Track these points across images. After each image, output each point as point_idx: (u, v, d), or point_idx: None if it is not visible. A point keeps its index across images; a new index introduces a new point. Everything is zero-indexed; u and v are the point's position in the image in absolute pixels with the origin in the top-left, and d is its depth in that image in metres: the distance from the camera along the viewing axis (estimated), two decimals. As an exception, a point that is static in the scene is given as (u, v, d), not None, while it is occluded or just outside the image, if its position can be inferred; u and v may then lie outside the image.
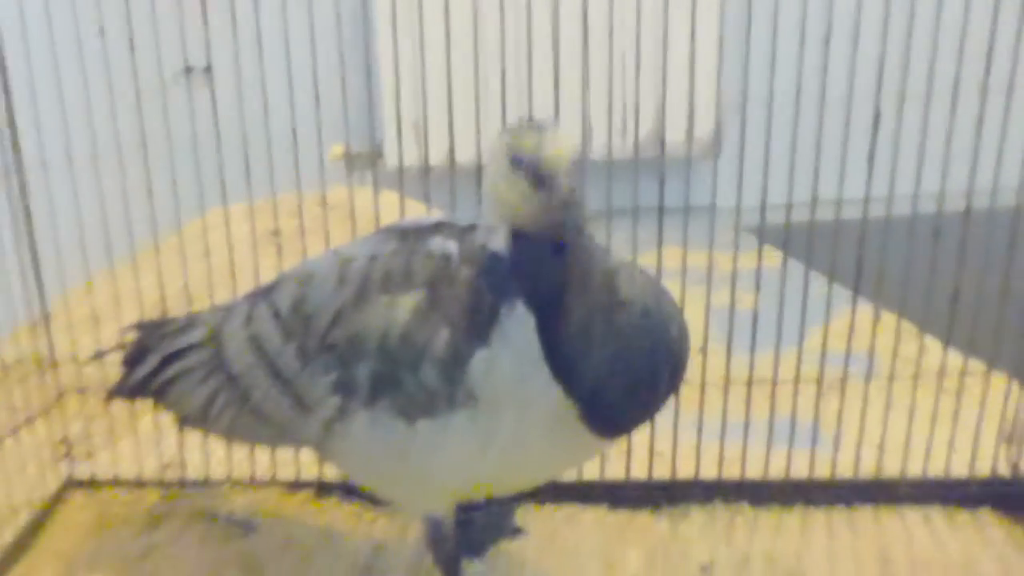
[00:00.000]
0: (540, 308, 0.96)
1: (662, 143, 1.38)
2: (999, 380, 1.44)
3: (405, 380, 1.00)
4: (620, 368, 0.94)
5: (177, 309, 1.44)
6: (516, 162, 0.94)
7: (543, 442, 1.00)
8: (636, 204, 1.38)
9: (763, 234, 1.46)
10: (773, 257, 1.50)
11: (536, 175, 0.93)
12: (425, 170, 1.42)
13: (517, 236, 1.00)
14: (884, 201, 1.35)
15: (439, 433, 1.00)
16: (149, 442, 1.56)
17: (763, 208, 1.36)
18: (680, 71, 1.36)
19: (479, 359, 0.97)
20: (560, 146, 0.93)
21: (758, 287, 1.41)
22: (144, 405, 1.61)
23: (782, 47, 1.30)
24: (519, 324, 0.96)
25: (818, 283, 1.43)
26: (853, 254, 1.39)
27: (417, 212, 1.40)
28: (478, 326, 0.98)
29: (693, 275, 1.40)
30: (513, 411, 0.98)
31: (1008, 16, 1.27)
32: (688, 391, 1.69)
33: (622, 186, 1.38)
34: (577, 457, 1.13)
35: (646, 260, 1.21)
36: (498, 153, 0.97)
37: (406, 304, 1.01)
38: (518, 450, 1.00)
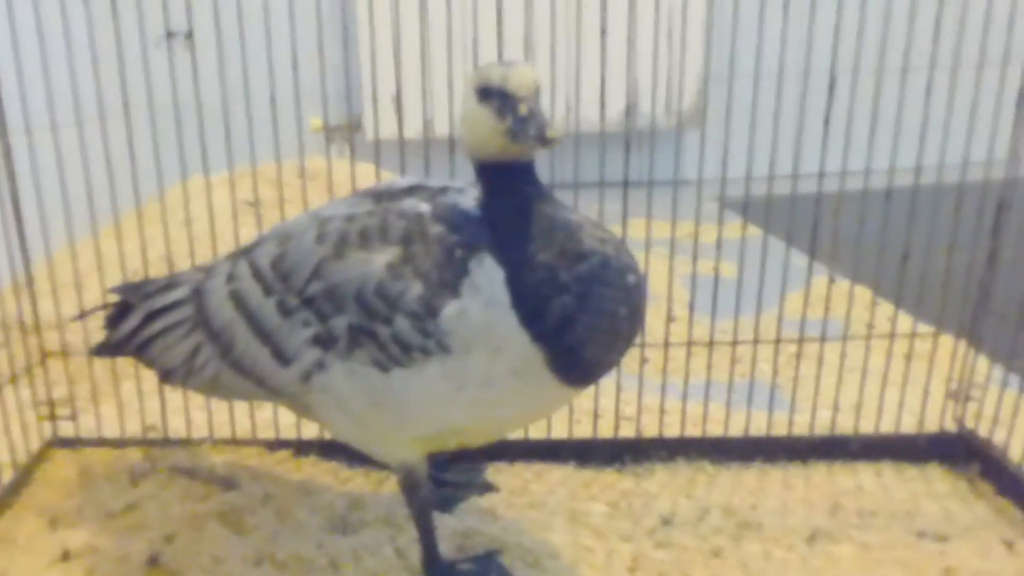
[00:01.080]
0: (508, 261, 1.02)
1: (628, 112, 1.43)
2: (946, 341, 1.52)
3: (380, 332, 1.05)
4: (582, 313, 1.00)
5: (158, 274, 1.48)
6: (483, 93, 1.01)
7: (512, 389, 1.05)
8: (602, 178, 1.45)
9: (724, 206, 1.52)
10: (736, 228, 1.56)
11: (502, 99, 0.99)
12: (401, 143, 1.47)
13: (488, 187, 1.07)
14: (839, 175, 1.41)
15: (413, 381, 1.06)
16: (131, 405, 1.60)
17: (723, 182, 1.42)
18: (648, 47, 1.42)
19: (450, 310, 1.02)
20: (524, 75, 1.00)
21: (719, 257, 1.47)
22: (126, 370, 1.66)
23: (744, 26, 1.35)
24: (488, 276, 1.02)
25: (779, 251, 1.50)
26: (811, 224, 1.46)
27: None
28: (449, 279, 1.03)
29: (665, 245, 1.46)
30: (484, 359, 1.03)
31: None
32: (653, 355, 1.77)
33: (590, 159, 1.43)
34: (544, 405, 1.18)
35: (616, 230, 1.26)
36: (468, 89, 1.04)
37: (381, 260, 1.06)
38: (488, 396, 1.06)
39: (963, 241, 1.44)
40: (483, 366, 1.03)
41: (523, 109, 0.98)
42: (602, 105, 1.40)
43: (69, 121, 1.40)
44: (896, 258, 1.44)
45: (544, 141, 0.97)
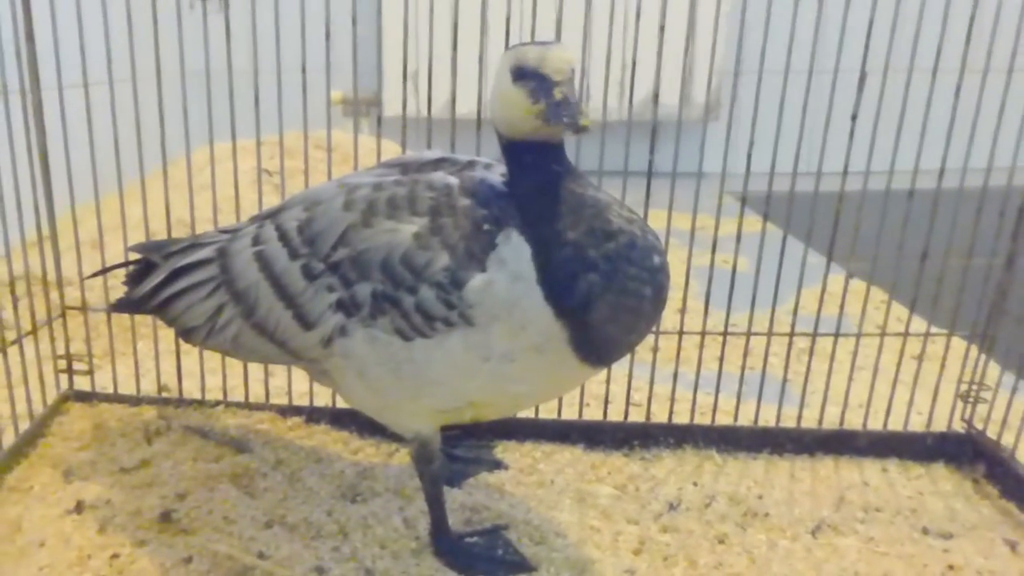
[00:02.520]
0: (535, 237, 1.03)
1: (655, 100, 1.43)
2: (959, 343, 1.52)
3: (404, 301, 1.06)
4: (608, 292, 1.01)
5: (180, 236, 1.49)
6: (519, 74, 1.01)
7: (532, 365, 1.06)
8: (626, 167, 1.45)
9: (746, 200, 1.53)
10: (755, 223, 1.57)
11: (537, 81, 0.99)
12: (428, 120, 1.47)
13: (515, 165, 1.07)
14: (862, 175, 1.42)
15: (433, 351, 1.07)
16: (147, 364, 1.62)
17: (747, 175, 1.42)
18: (678, 35, 1.42)
19: (476, 283, 1.03)
20: (560, 57, 1.00)
21: (737, 250, 1.48)
22: (142, 329, 1.67)
23: (777, 19, 1.35)
24: (515, 251, 1.03)
25: (796, 248, 1.50)
26: (830, 222, 1.46)
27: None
28: (476, 252, 1.04)
29: (681, 236, 1.45)
30: (506, 333, 1.04)
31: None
32: (665, 344, 1.78)
33: (615, 147, 1.43)
34: (562, 383, 1.19)
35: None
36: (502, 68, 1.04)
37: (408, 230, 1.07)
38: (508, 371, 1.07)
39: (982, 246, 1.45)
40: (505, 340, 1.04)
41: (558, 94, 0.98)
42: (631, 90, 1.40)
43: (101, 80, 1.40)
44: (914, 260, 1.45)
45: (576, 128, 0.97)
